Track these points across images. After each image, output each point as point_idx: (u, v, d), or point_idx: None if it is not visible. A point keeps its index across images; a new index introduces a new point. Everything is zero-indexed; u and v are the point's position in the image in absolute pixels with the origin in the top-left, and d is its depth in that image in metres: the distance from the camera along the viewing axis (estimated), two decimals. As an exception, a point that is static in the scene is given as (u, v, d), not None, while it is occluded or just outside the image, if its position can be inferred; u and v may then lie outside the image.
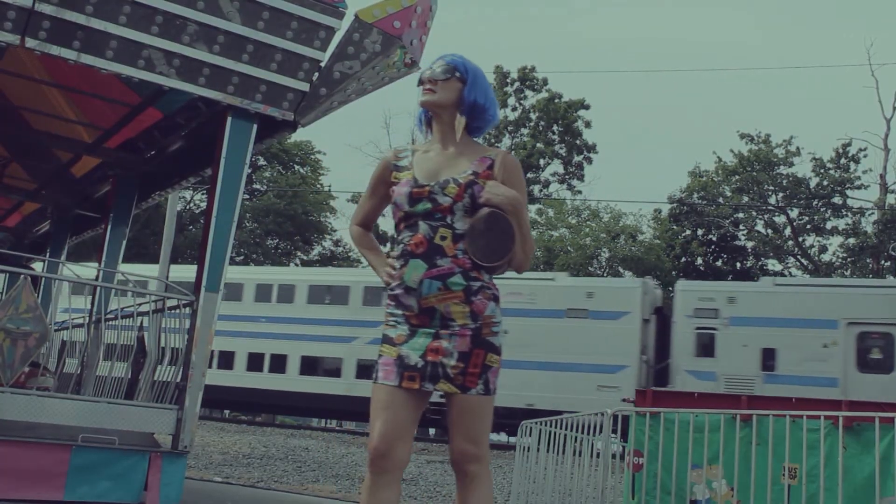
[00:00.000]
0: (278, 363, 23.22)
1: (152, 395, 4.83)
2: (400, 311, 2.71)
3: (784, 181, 35.26)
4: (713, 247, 37.22)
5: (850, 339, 18.75)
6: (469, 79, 2.82)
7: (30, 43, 4.23)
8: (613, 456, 6.67)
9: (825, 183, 34.86)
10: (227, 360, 22.97)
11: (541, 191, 37.24)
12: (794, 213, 35.97)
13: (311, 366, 23.12)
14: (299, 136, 40.60)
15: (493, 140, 34.66)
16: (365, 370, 21.81)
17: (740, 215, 36.93)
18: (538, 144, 36.08)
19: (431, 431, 24.48)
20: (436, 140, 2.86)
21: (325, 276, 26.25)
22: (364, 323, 22.00)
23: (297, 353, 23.12)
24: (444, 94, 2.79)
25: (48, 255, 8.81)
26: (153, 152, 6.93)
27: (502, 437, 23.01)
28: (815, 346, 18.77)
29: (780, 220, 36.63)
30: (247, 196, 39.15)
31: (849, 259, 35.19)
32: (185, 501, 4.72)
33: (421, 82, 2.84)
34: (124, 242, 7.14)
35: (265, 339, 23.26)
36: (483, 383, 2.64)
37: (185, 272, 13.80)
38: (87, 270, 8.44)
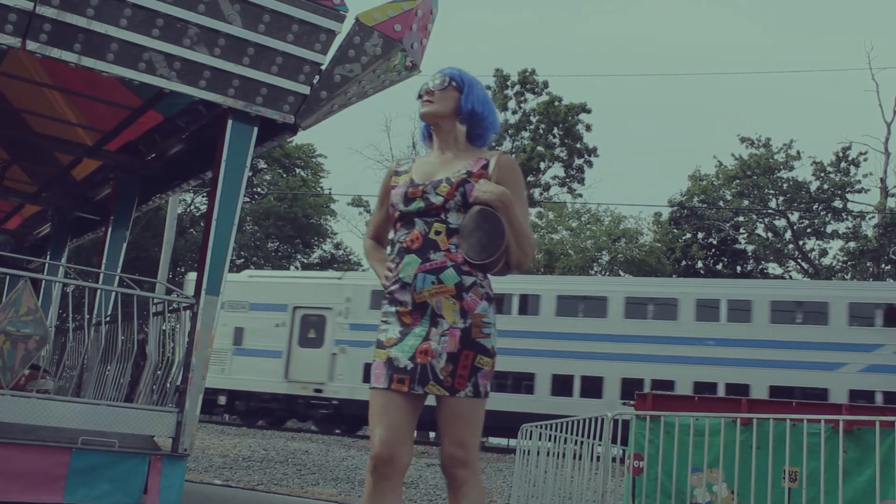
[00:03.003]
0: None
1: (152, 398, 4.84)
2: (394, 309, 2.73)
3: (784, 185, 35.28)
4: (713, 250, 37.25)
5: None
6: (465, 88, 2.91)
7: (31, 46, 4.23)
8: (613, 459, 6.66)
9: (825, 187, 34.89)
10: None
11: (541, 194, 37.19)
12: (794, 217, 35.99)
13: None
14: (300, 139, 40.68)
15: (493, 143, 34.59)
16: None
17: (740, 219, 36.96)
18: (538, 147, 36.02)
19: (431, 435, 24.42)
20: (436, 148, 2.94)
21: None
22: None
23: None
24: (442, 103, 2.88)
25: (48, 257, 8.82)
26: (154, 155, 6.93)
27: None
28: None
29: (780, 223, 36.67)
30: (247, 199, 39.17)
31: (849, 262, 35.21)
32: (184, 504, 4.72)
33: (419, 96, 2.93)
34: (125, 245, 7.14)
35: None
36: (472, 386, 2.63)
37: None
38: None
